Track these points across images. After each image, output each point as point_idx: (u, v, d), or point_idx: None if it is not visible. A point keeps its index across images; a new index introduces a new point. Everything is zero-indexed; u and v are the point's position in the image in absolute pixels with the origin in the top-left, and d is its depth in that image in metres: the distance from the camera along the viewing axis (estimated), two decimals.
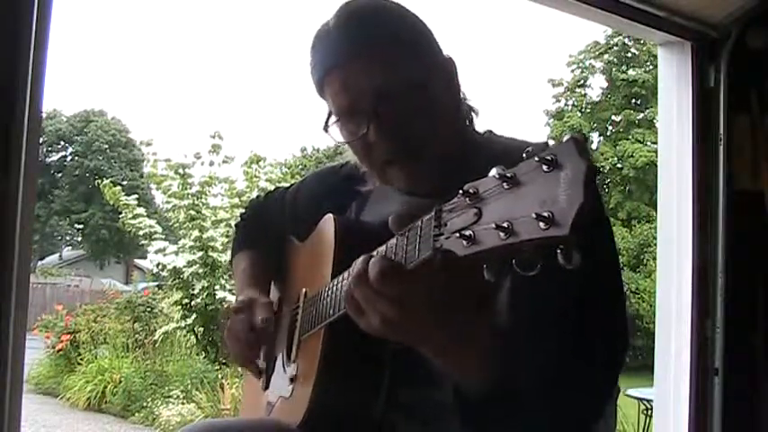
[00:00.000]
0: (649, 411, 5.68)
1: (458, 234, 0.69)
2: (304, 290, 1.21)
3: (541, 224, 0.60)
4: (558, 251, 0.60)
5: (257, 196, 1.68)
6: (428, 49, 1.08)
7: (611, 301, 0.97)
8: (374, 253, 0.84)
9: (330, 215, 1.14)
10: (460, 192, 0.70)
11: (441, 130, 1.05)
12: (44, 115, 1.59)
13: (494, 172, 0.68)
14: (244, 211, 1.55)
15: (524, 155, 0.65)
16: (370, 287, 0.81)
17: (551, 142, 0.64)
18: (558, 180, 0.61)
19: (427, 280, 0.79)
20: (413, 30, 1.07)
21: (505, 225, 0.63)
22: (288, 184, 1.49)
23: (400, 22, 1.06)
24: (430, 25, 1.10)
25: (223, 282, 7.95)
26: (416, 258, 0.77)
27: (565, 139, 0.62)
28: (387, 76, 1.01)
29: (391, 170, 1.07)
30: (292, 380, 1.17)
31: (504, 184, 0.66)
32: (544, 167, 0.62)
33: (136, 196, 9.34)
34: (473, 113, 1.15)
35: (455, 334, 0.83)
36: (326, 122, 1.08)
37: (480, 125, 1.16)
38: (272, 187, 1.73)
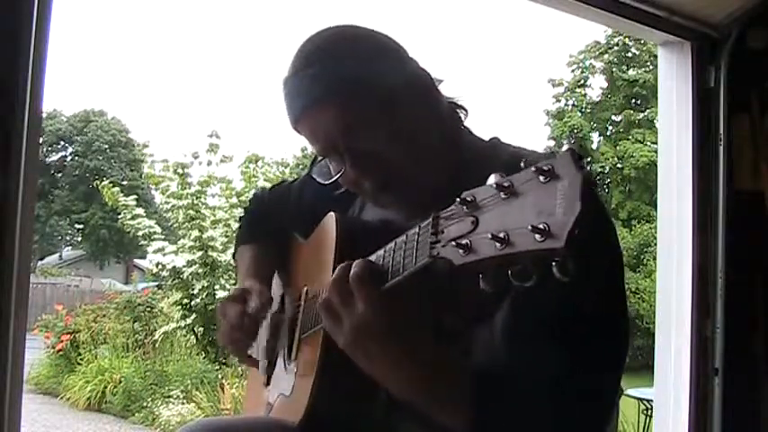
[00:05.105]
0: (649, 411, 5.68)
1: (454, 243, 0.69)
2: (305, 288, 1.21)
3: (537, 236, 0.60)
4: (553, 263, 0.60)
5: (262, 188, 1.68)
6: (394, 69, 1.03)
7: (614, 304, 0.96)
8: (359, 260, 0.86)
9: (332, 213, 1.14)
10: (458, 199, 0.70)
11: (421, 149, 1.02)
12: (44, 115, 1.59)
13: (492, 180, 0.67)
14: (248, 203, 1.55)
15: (522, 164, 0.65)
16: (347, 291, 0.83)
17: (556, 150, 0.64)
18: (554, 191, 0.61)
19: (401, 305, 0.82)
20: (374, 54, 1.03)
21: (502, 235, 0.63)
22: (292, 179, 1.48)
23: (359, 51, 1.03)
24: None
25: (223, 281, 7.95)
26: (413, 265, 0.77)
27: (563, 149, 0.62)
28: (349, 116, 0.99)
29: (381, 198, 1.06)
30: (293, 378, 1.17)
31: (502, 193, 0.65)
32: (541, 178, 0.62)
33: (135, 196, 9.36)
34: (463, 115, 1.12)
35: (419, 370, 0.86)
36: (312, 164, 1.09)
37: (480, 126, 1.13)
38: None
